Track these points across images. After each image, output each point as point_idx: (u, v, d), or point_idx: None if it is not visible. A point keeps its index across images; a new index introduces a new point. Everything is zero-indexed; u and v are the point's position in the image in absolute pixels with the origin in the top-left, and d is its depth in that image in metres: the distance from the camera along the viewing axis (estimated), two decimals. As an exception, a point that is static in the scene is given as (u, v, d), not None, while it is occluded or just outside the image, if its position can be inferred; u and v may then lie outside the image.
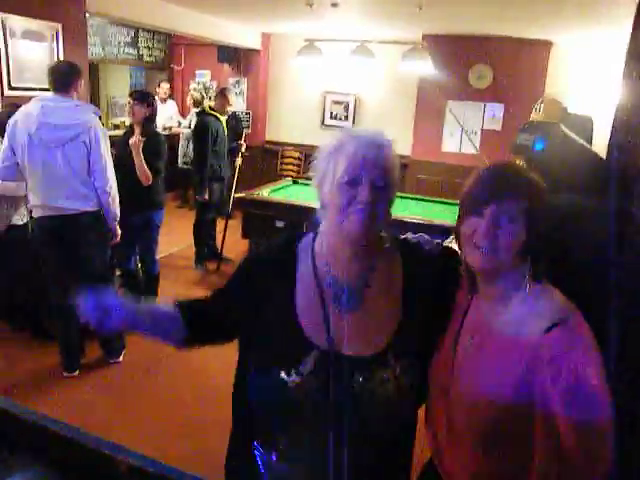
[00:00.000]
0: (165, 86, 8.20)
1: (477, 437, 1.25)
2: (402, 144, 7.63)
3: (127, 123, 7.72)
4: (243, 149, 6.15)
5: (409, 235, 1.46)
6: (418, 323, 1.32)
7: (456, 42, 7.10)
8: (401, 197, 5.75)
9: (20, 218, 3.93)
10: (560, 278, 1.92)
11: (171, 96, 8.54)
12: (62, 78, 3.32)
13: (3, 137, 3.46)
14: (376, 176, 1.21)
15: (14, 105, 3.80)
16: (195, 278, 5.58)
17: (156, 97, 7.74)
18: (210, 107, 5.70)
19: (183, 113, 8.50)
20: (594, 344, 1.14)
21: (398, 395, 1.26)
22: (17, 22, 4.47)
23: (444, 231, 4.41)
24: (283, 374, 1.24)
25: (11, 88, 4.47)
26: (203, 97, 8.11)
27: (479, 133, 7.36)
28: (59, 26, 4.76)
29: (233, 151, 6.03)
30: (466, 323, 1.31)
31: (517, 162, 3.43)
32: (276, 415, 1.32)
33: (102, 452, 0.61)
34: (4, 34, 4.37)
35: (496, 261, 1.19)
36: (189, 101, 8.09)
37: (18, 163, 3.31)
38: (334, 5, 5.29)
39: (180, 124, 8.15)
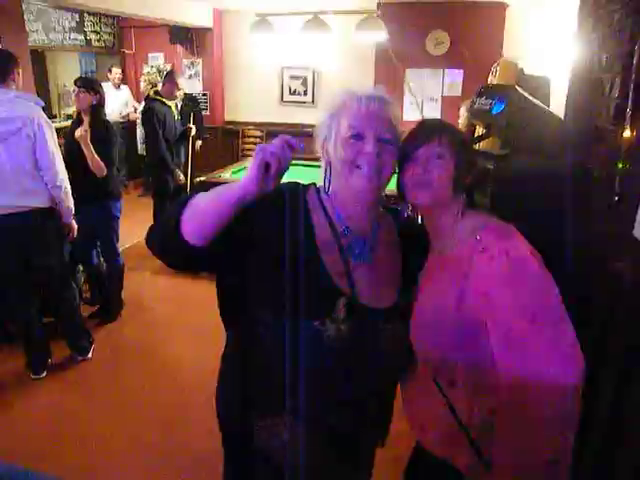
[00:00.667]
0: (117, 71, 7.92)
1: (438, 370, 1.31)
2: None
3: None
4: (192, 132, 5.69)
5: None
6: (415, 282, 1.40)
7: (412, 9, 6.99)
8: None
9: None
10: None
11: (124, 81, 8.28)
12: None
13: None
14: (380, 129, 1.26)
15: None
16: (162, 267, 5.44)
17: (109, 83, 7.53)
18: (156, 92, 5.36)
19: (139, 98, 8.26)
20: (532, 248, 1.22)
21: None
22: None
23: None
24: (317, 324, 1.21)
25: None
26: (156, 81, 7.89)
27: (439, 100, 7.32)
28: (-7, 12, 4.52)
29: (181, 136, 5.61)
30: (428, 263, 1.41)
31: (477, 127, 3.42)
32: (297, 375, 1.25)
33: None
34: None
35: (434, 194, 1.31)
36: (145, 86, 7.84)
37: None
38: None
39: (136, 110, 7.93)
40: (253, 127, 8.22)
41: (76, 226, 3.55)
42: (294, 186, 1.39)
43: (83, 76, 5.07)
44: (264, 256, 1.26)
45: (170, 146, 5.31)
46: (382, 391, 1.41)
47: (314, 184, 1.42)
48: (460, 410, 1.29)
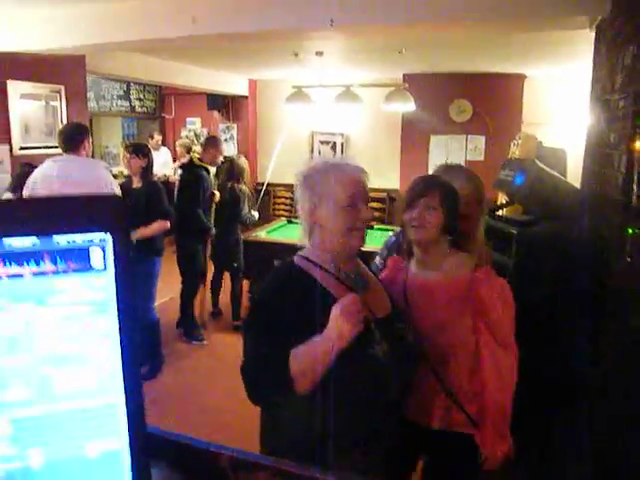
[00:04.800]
0: (158, 137, 8.38)
1: (437, 357, 1.79)
2: (390, 179, 7.93)
3: (125, 173, 7.93)
4: (216, 198, 5.28)
5: None
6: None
7: (435, 80, 7.45)
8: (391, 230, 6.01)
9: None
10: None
11: (163, 143, 8.80)
12: (71, 139, 3.57)
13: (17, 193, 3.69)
14: (366, 196, 1.57)
15: (28, 165, 4.03)
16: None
17: (149, 146, 8.00)
18: (198, 158, 5.23)
19: (175, 160, 8.72)
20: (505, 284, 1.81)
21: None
22: (25, 87, 4.74)
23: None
24: (370, 350, 1.49)
25: (20, 148, 4.70)
26: (192, 144, 8.35)
27: (463, 164, 7.66)
28: (62, 88, 5.02)
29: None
30: (409, 285, 1.86)
31: (500, 195, 3.71)
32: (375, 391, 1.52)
33: (209, 450, 0.80)
34: (12, 99, 4.63)
35: (425, 234, 1.80)
36: (180, 151, 8.17)
37: None
38: (319, 54, 5.63)
39: (175, 171, 8.30)
40: (283, 189, 8.61)
41: None
42: (288, 267, 1.62)
43: (133, 143, 5.42)
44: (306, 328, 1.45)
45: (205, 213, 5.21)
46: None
47: (296, 251, 1.66)
48: (452, 388, 1.79)
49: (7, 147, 4.59)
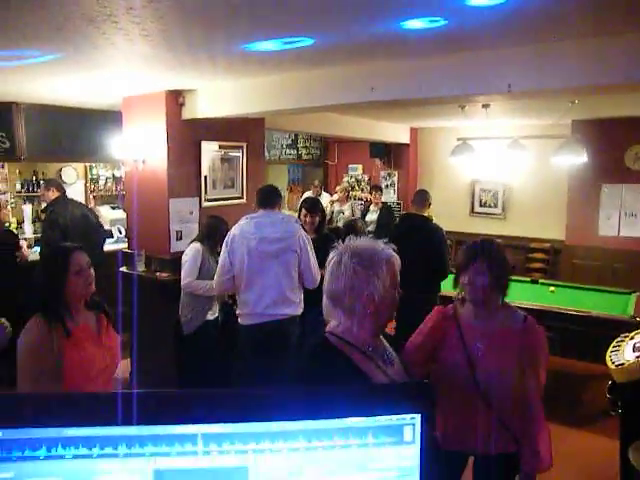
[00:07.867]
0: (316, 183, 8.77)
1: (501, 402, 2.08)
2: (555, 229, 7.58)
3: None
4: None
5: None
6: None
7: (609, 125, 6.96)
8: (558, 285, 5.72)
9: (212, 313, 4.48)
10: None
11: (326, 189, 9.26)
12: (269, 198, 3.82)
13: (212, 246, 4.11)
14: None
15: (214, 217, 4.46)
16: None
17: (310, 192, 8.43)
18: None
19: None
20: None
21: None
22: (214, 146, 5.31)
23: (614, 326, 4.19)
24: None
25: (207, 200, 5.25)
26: (351, 188, 8.71)
27: (640, 215, 7.12)
28: (245, 144, 5.55)
29: None
30: (466, 338, 2.14)
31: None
32: None
33: None
34: (204, 157, 5.21)
35: (477, 294, 2.12)
36: (340, 195, 8.48)
37: (234, 275, 3.74)
38: (485, 106, 5.62)
39: (343, 213, 8.53)
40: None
41: None
42: (319, 341, 1.70)
43: (308, 199, 5.67)
44: None
45: None
46: None
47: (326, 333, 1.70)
48: (504, 420, 2.09)
49: (197, 200, 5.15)
